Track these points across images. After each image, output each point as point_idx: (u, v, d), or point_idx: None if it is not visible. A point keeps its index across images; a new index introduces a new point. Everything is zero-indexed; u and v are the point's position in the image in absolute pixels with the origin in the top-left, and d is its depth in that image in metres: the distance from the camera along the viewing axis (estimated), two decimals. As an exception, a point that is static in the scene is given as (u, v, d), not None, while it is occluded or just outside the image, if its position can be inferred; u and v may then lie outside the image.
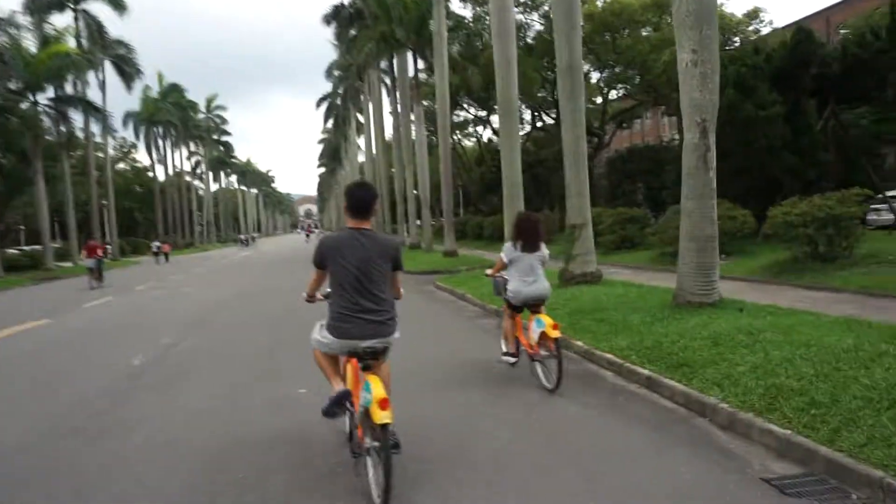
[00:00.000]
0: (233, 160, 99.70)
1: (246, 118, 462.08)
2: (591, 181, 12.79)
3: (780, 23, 30.36)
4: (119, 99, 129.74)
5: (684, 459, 4.13)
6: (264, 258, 38.67)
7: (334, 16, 34.29)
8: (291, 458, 4.40)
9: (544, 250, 6.07)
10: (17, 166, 35.07)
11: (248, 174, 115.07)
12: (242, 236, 75.86)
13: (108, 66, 43.48)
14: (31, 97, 33.29)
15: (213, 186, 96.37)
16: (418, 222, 32.32)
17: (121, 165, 69.58)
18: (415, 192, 30.59)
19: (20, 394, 6.97)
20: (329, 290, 3.93)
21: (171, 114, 61.46)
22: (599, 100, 33.94)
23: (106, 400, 6.31)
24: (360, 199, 3.81)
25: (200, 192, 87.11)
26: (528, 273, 5.93)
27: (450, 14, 26.54)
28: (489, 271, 6.44)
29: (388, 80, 39.83)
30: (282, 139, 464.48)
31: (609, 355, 6.59)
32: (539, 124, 37.94)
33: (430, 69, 30.99)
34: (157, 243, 42.16)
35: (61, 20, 75.47)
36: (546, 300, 6.09)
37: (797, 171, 16.64)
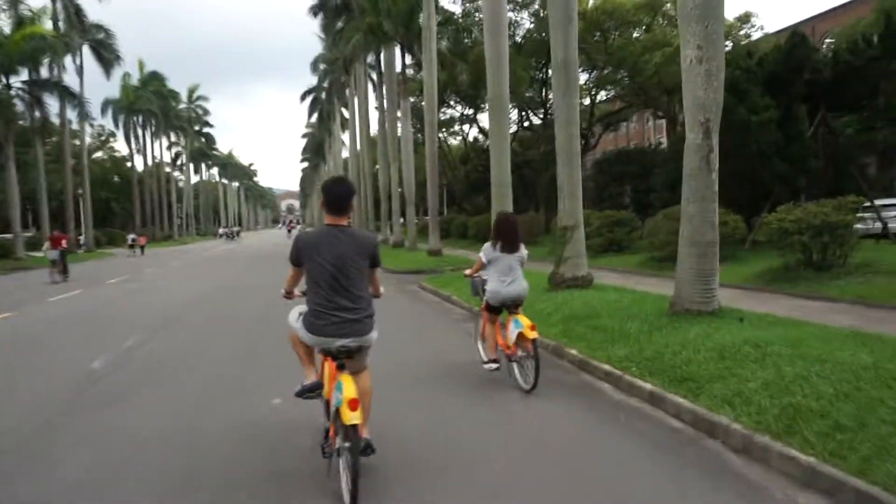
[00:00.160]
0: (214, 152, 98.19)
1: (228, 109, 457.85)
2: (581, 182, 12.39)
3: (768, 30, 30.29)
4: (98, 85, 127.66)
5: (697, 487, 3.75)
6: (245, 252, 37.92)
7: (321, 6, 33.63)
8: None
9: (523, 251, 6.11)
10: (-13, 151, 33.89)
11: (230, 167, 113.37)
12: (227, 230, 75.02)
13: (86, 51, 42.42)
14: (3, 80, 32.19)
15: (194, 178, 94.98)
16: (402, 220, 31.80)
17: (98, 154, 68.15)
18: (399, 189, 30.06)
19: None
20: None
21: (152, 103, 60.16)
22: (587, 101, 33.72)
23: (40, 417, 5.44)
24: (337, 196, 3.78)
25: (180, 184, 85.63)
26: (506, 273, 5.93)
27: (439, 9, 26.07)
28: (468, 271, 6.49)
29: (374, 76, 39.28)
30: (265, 132, 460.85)
31: (606, 366, 6.20)
32: (526, 124, 37.62)
33: (417, 65, 30.51)
34: (133, 235, 41.14)
35: (38, 2, 73.57)
36: (524, 300, 6.06)
37: (787, 177, 16.45)
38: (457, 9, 31.89)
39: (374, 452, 3.65)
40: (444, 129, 43.75)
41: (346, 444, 3.39)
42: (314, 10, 34.45)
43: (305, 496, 3.70)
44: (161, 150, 73.08)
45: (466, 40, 30.30)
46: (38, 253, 34.35)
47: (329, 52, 43.19)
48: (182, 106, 75.50)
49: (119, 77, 57.79)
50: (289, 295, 4.15)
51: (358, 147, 43.14)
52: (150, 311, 12.30)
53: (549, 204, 30.74)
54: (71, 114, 39.89)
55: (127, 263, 30.27)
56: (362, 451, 3.50)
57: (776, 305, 9.15)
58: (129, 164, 64.33)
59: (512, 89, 15.19)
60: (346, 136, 57.57)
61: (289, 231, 77.21)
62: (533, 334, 5.51)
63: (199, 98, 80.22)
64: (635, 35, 26.88)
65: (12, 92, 32.87)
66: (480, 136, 43.46)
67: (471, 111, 39.92)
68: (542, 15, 30.08)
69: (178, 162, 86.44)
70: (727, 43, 25.95)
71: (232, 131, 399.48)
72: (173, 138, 78.41)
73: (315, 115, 63.91)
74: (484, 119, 39.75)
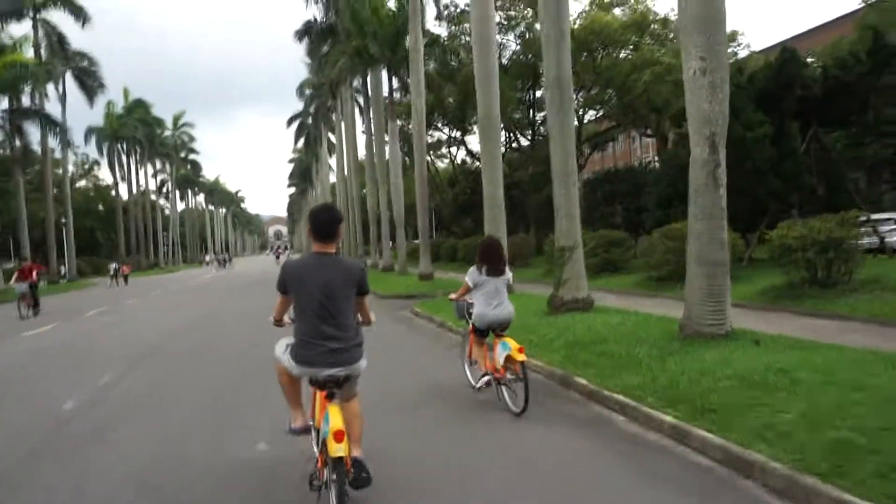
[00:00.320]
0: (201, 179, 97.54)
1: (215, 136, 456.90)
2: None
3: (753, 49, 30.47)
4: (81, 112, 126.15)
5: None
6: (234, 280, 37.12)
7: (306, 31, 33.43)
8: None
9: (508, 273, 6.20)
10: (-36, 180, 33.27)
11: (217, 193, 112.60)
12: (220, 256, 75.44)
13: (69, 78, 41.97)
14: (-19, 108, 31.69)
15: (180, 206, 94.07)
16: (391, 244, 31.34)
17: (82, 183, 67.25)
18: (388, 212, 29.66)
19: None
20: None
21: (137, 130, 59.72)
22: (575, 122, 33.69)
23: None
24: (323, 223, 3.74)
25: (166, 212, 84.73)
26: (493, 297, 5.98)
27: (425, 31, 25.97)
28: (453, 295, 6.52)
29: (360, 100, 39.11)
30: (252, 158, 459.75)
31: (619, 396, 5.74)
32: (514, 145, 37.50)
33: (404, 88, 30.36)
34: (115, 265, 40.00)
35: (20, 29, 73.32)
36: (510, 323, 6.08)
37: (780, 194, 16.25)
38: (443, 31, 31.89)
39: (369, 484, 3.53)
40: (431, 152, 43.60)
41: (333, 477, 3.32)
42: (299, 35, 34.17)
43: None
44: (146, 177, 72.50)
45: (453, 62, 30.24)
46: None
47: (315, 77, 43.06)
48: (167, 133, 75.10)
49: (103, 105, 57.34)
50: (279, 323, 4.09)
51: (345, 171, 42.79)
52: (129, 345, 11.68)
53: (539, 225, 30.47)
54: (53, 142, 39.31)
55: (108, 294, 29.44)
56: (358, 482, 3.46)
57: (784, 325, 8.78)
58: (113, 193, 63.52)
59: (500, 110, 14.93)
60: (333, 161, 57.30)
61: (277, 257, 76.77)
62: (521, 357, 5.47)
63: (184, 125, 79.88)
64: (622, 55, 26.91)
65: (-8, 121, 32.35)
66: (468, 159, 43.34)
67: (458, 133, 39.81)
68: (527, 37, 30.15)
69: (164, 189, 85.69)
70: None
71: (218, 158, 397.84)
72: (159, 165, 77.75)
73: (302, 140, 63.67)
74: (472, 141, 39.70)
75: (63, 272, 41.98)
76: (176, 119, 78.13)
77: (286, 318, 4.03)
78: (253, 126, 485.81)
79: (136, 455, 5.09)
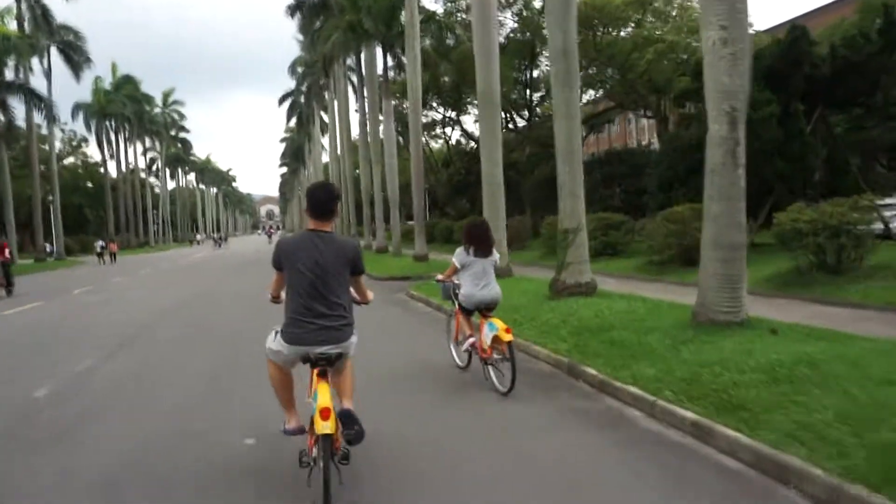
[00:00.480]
0: (191, 157, 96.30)
1: (206, 114, 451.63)
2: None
3: (757, 29, 29.88)
4: (68, 88, 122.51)
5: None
6: (227, 259, 36.55)
7: (298, 6, 32.61)
8: None
9: (495, 254, 6.25)
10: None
11: (208, 172, 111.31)
12: (216, 236, 76.13)
13: (54, 53, 40.86)
14: (-36, 82, 30.75)
15: (171, 184, 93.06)
16: (385, 225, 30.83)
17: (70, 160, 66.07)
18: (382, 193, 29.11)
19: None
20: None
21: (125, 107, 58.60)
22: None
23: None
24: (319, 200, 3.74)
25: (157, 190, 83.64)
26: (480, 277, 6.04)
27: (421, 7, 25.23)
28: (439, 276, 6.58)
29: (354, 78, 38.31)
30: (243, 137, 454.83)
31: (633, 388, 5.35)
32: (511, 126, 36.91)
33: (399, 66, 29.65)
34: (102, 242, 39.43)
35: (2, 2, 71.52)
36: (498, 304, 6.13)
37: (786, 176, 15.85)
38: (439, 8, 31.10)
39: (361, 439, 3.62)
40: (426, 132, 42.91)
41: (321, 453, 3.35)
42: (291, 10, 33.40)
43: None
44: (136, 155, 71.38)
45: (449, 40, 29.52)
46: None
47: (307, 54, 42.20)
48: (157, 110, 73.85)
49: (90, 80, 56.15)
50: (276, 299, 4.07)
51: (339, 151, 42.06)
52: (115, 325, 11.21)
53: (535, 207, 30.00)
54: (39, 118, 38.35)
55: (96, 272, 28.84)
56: (349, 437, 3.54)
57: (795, 312, 8.41)
58: (102, 170, 62.45)
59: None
60: (326, 140, 56.48)
61: (269, 237, 76.26)
62: (508, 337, 5.51)
63: (174, 102, 78.57)
64: (623, 33, 26.26)
65: (-26, 95, 31.42)
66: (463, 139, 42.75)
67: (453, 113, 39.15)
68: (524, 14, 29.43)
69: (154, 168, 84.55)
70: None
71: (209, 137, 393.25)
72: (148, 143, 76.61)
73: (294, 119, 62.76)
74: (467, 121, 39.09)
75: (49, 250, 41.25)
76: (166, 96, 76.89)
77: (283, 296, 3.93)
78: (244, 104, 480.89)
79: (89, 466, 4.49)
